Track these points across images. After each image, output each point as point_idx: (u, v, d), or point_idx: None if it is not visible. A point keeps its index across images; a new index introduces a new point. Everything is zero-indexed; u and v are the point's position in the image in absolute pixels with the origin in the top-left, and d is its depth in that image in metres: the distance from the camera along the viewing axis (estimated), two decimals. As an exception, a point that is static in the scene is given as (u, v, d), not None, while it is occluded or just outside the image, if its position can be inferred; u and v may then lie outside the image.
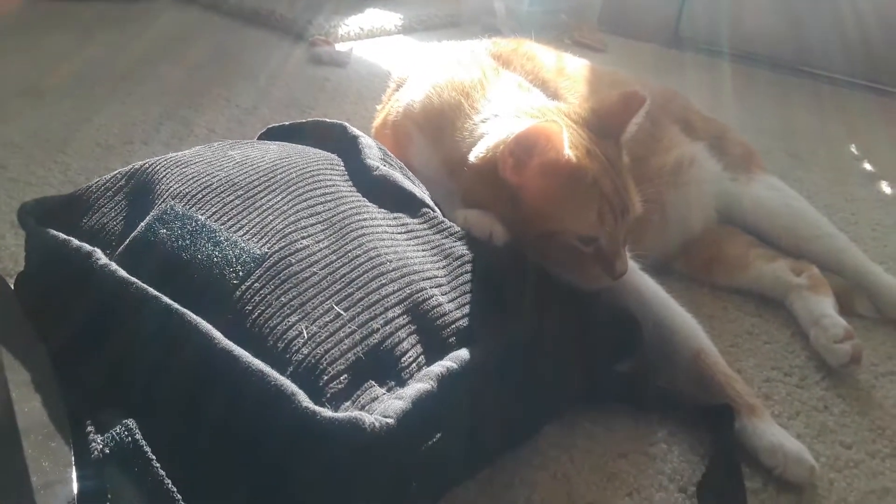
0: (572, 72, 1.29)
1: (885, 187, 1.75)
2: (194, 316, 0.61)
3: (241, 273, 0.66)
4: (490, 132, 0.92)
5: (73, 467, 0.55)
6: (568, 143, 0.84)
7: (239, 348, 0.59)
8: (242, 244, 0.69)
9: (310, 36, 2.34)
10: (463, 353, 0.68)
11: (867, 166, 1.89)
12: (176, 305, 0.62)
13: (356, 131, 0.93)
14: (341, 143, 0.91)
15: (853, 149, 2.02)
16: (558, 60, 1.30)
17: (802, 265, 1.21)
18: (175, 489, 0.55)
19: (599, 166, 0.89)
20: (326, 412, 0.55)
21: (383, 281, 0.69)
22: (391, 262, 0.71)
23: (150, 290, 0.64)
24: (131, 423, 0.59)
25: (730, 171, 1.31)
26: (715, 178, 1.30)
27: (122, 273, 0.67)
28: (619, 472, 0.81)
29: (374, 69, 2.19)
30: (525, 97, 1.03)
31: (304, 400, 0.56)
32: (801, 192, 1.38)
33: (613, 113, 0.97)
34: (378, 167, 0.85)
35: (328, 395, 0.59)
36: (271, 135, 1.01)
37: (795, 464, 0.82)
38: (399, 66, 1.32)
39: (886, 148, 2.04)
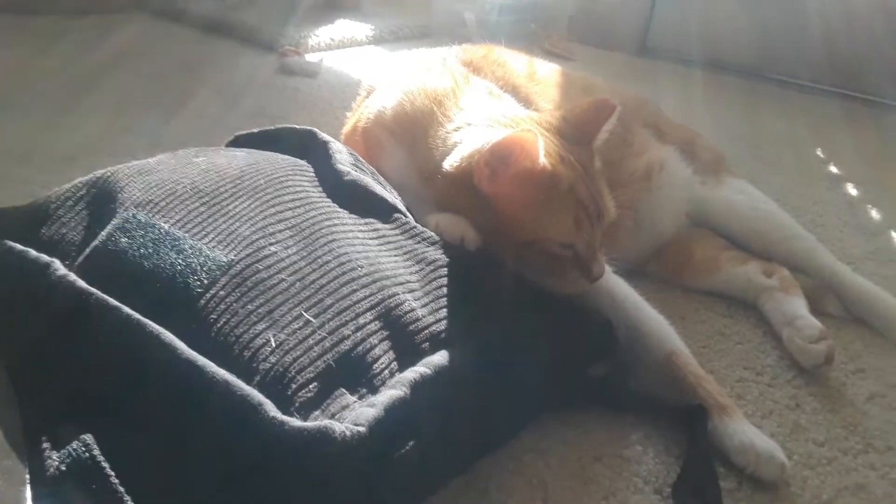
0: (543, 77, 1.29)
1: (851, 189, 1.78)
2: (156, 326, 0.60)
3: (205, 281, 0.65)
4: (464, 141, 0.92)
5: (28, 486, 0.53)
6: (542, 152, 0.84)
7: (203, 358, 0.58)
8: (207, 252, 0.67)
9: (279, 46, 2.32)
10: (437, 359, 0.67)
11: (833, 169, 1.92)
12: (137, 316, 0.61)
13: (326, 137, 0.92)
14: (311, 149, 0.90)
15: (819, 152, 2.05)
16: (529, 66, 1.31)
17: (773, 267, 1.21)
18: (137, 506, 0.53)
19: (574, 173, 0.89)
20: (295, 422, 0.54)
21: (354, 287, 0.68)
22: (362, 267, 0.70)
23: (111, 300, 0.63)
24: (89, 438, 0.57)
25: (699, 175, 1.32)
26: (685, 183, 1.30)
27: (81, 284, 0.65)
28: (595, 475, 0.81)
29: (344, 79, 2.17)
30: (497, 105, 1.03)
31: (272, 410, 0.54)
32: (770, 195, 1.38)
33: (585, 120, 0.97)
34: (349, 172, 0.84)
35: (297, 405, 0.58)
36: (239, 143, 1.00)
37: (766, 462, 0.82)
38: (370, 74, 1.31)
39: (851, 151, 2.08)
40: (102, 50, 2.25)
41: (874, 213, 1.64)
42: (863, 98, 2.60)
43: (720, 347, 1.09)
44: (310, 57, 2.25)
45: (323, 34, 2.48)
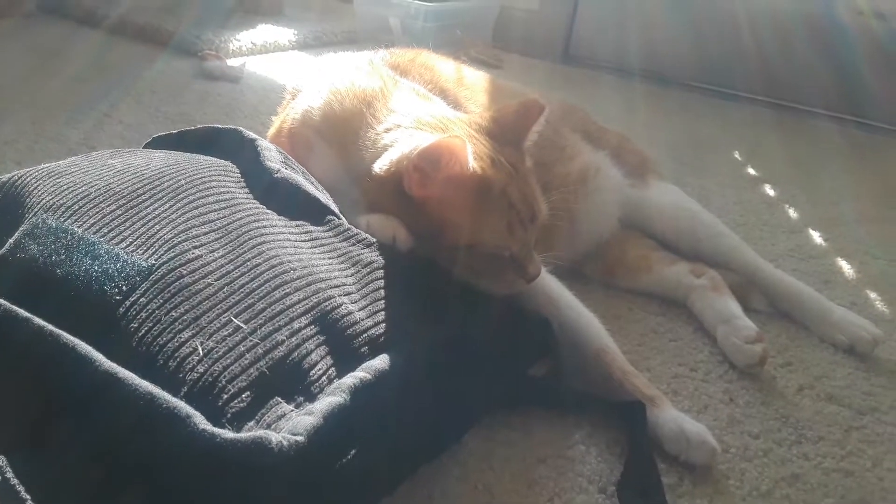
0: (472, 82, 1.29)
1: (769, 190, 1.85)
2: (71, 338, 0.55)
3: (124, 287, 0.60)
4: (394, 144, 0.90)
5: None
6: (472, 156, 0.83)
7: (124, 370, 0.53)
8: (125, 256, 0.62)
9: (199, 51, 2.24)
10: (377, 363, 0.64)
11: (751, 171, 1.99)
12: (50, 327, 0.56)
13: (252, 134, 0.87)
14: (236, 148, 0.86)
15: (737, 155, 2.12)
16: (457, 71, 1.30)
17: (701, 268, 1.24)
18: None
19: (506, 176, 0.89)
20: (227, 433, 0.50)
21: (287, 290, 0.64)
22: (295, 270, 0.67)
23: (21, 311, 0.57)
24: (1, 460, 0.51)
25: (629, 178, 1.34)
26: (618, 186, 1.32)
27: (-13, 295, 0.59)
28: (540, 477, 0.79)
29: (268, 84, 2.12)
30: (427, 106, 1.01)
31: (202, 422, 0.50)
32: (692, 196, 1.42)
33: (514, 120, 0.97)
34: (279, 169, 0.80)
35: (229, 416, 0.54)
36: (157, 145, 0.94)
37: (698, 447, 0.84)
38: (295, 77, 1.27)
39: (768, 154, 2.17)
40: (11, 55, 2.13)
41: (792, 212, 1.71)
42: (782, 105, 2.71)
43: (654, 345, 1.10)
44: (231, 62, 2.19)
45: (244, 39, 2.42)
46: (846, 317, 1.17)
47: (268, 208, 0.76)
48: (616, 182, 1.32)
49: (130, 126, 1.65)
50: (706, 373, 1.04)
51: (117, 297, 0.59)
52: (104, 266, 0.61)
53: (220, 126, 0.91)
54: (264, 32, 2.54)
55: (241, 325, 0.59)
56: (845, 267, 1.45)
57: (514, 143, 0.96)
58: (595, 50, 3.09)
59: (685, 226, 1.32)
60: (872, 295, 1.34)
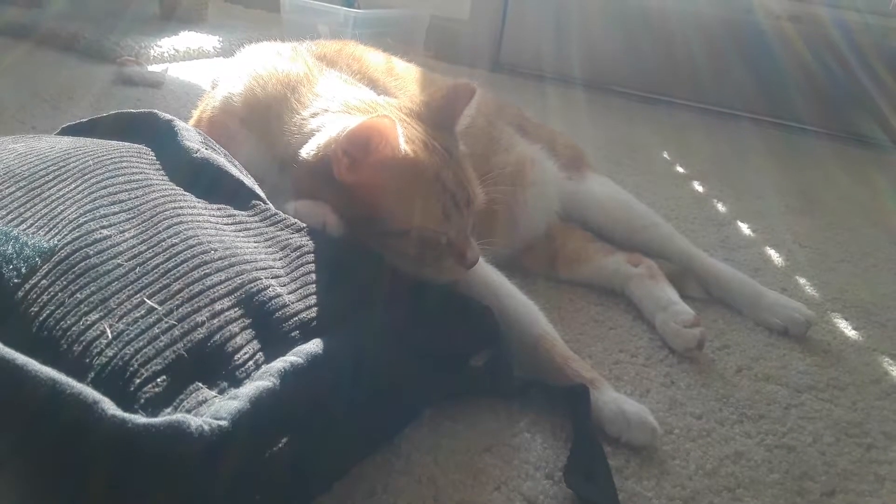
0: (402, 72, 1.26)
1: (698, 186, 1.88)
2: (-41, 323, 0.49)
3: (23, 270, 0.54)
4: (321, 128, 0.86)
5: None
6: (403, 138, 0.80)
7: (23, 356, 0.47)
8: (24, 238, 0.57)
9: (117, 57, 2.15)
10: (310, 348, 0.60)
11: (679, 169, 2.03)
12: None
13: (169, 116, 0.82)
14: (152, 132, 0.80)
15: (665, 155, 2.17)
16: (387, 61, 1.27)
17: (637, 257, 1.24)
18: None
19: (439, 159, 0.86)
20: (139, 419, 0.45)
21: (207, 270, 0.59)
22: (216, 251, 0.62)
23: None
24: None
25: (565, 171, 1.34)
26: (554, 179, 1.32)
27: None
28: (486, 467, 0.76)
29: (192, 89, 2.04)
30: (355, 91, 0.98)
31: (110, 408, 0.45)
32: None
33: (445, 104, 0.95)
34: (199, 149, 0.75)
35: (142, 402, 0.49)
36: (66, 134, 0.88)
37: (638, 427, 0.83)
38: (217, 72, 1.22)
39: (696, 154, 2.22)
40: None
41: (720, 207, 1.75)
42: (706, 108, 2.80)
43: (595, 333, 1.09)
44: (152, 68, 2.10)
45: (166, 45, 2.33)
46: (779, 300, 1.19)
47: (187, 191, 0.71)
48: (553, 175, 1.32)
49: (45, 131, 1.55)
50: (647, 358, 1.04)
51: (16, 281, 0.54)
52: (1, 249, 0.55)
53: (133, 111, 0.86)
54: (187, 39, 2.46)
55: (155, 306, 0.54)
56: (774, 256, 1.48)
57: (447, 127, 0.94)
58: (525, 58, 3.12)
59: (621, 217, 1.33)
60: (802, 280, 1.38)
